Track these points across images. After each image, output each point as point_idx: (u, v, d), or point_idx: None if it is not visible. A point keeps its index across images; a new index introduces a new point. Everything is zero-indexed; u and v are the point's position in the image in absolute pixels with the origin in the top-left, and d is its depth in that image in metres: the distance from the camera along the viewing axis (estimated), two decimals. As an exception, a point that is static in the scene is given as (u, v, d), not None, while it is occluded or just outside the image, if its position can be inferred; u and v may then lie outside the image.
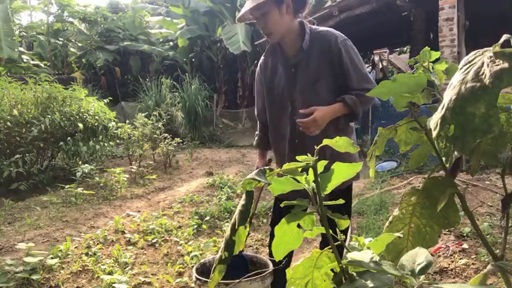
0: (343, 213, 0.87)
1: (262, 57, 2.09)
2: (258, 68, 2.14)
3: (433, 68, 1.00)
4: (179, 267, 2.93)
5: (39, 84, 5.87)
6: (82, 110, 5.95)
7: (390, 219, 0.92)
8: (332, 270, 0.83)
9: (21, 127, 5.48)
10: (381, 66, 10.16)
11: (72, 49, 14.68)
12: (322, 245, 2.07)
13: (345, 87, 1.90)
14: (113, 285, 2.58)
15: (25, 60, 11.90)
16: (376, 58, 10.20)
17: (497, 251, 0.85)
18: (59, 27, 14.39)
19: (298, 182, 0.83)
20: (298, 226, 0.85)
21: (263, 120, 2.16)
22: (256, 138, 2.25)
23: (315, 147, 0.82)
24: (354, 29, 9.71)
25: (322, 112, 1.81)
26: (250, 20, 1.95)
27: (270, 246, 2.20)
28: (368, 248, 0.84)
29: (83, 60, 14.20)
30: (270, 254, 2.12)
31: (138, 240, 3.49)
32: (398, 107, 0.95)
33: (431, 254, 2.63)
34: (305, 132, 1.86)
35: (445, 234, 3.09)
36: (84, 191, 4.73)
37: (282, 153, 2.04)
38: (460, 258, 2.67)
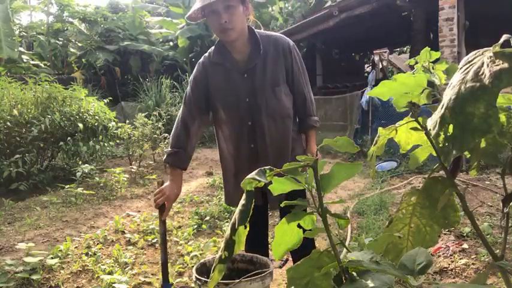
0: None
1: (206, 58, 1.95)
2: (199, 69, 1.95)
3: (433, 68, 1.00)
4: (179, 267, 2.93)
5: (39, 84, 5.87)
6: (82, 110, 5.95)
7: (390, 219, 0.92)
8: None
9: (21, 127, 5.48)
10: (380, 66, 10.16)
11: (72, 49, 14.68)
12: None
13: (293, 93, 1.96)
14: (113, 285, 2.58)
15: (25, 60, 11.90)
16: (376, 58, 10.19)
17: (497, 251, 0.85)
18: (59, 27, 14.40)
19: (298, 182, 0.83)
20: (299, 226, 0.85)
21: (190, 126, 1.94)
22: (170, 152, 1.95)
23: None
24: (354, 29, 9.75)
25: (315, 149, 1.99)
26: (200, 18, 1.87)
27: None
28: (368, 248, 0.84)
29: (83, 60, 14.20)
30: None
31: (138, 240, 3.50)
32: (398, 107, 0.95)
33: (431, 254, 2.63)
34: (265, 141, 1.88)
35: (445, 234, 3.09)
36: (84, 191, 4.73)
37: (237, 165, 1.95)
38: (460, 258, 2.67)
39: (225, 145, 2.00)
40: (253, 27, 1.91)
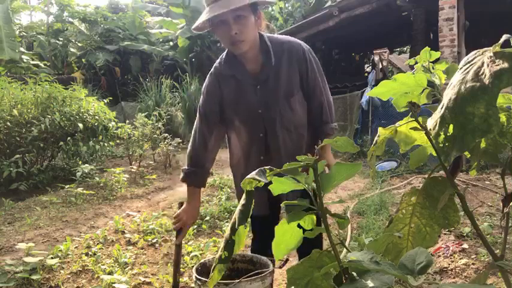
0: None
1: (217, 69, 1.84)
2: (212, 80, 1.85)
3: (433, 68, 1.00)
4: (179, 267, 2.93)
5: (39, 84, 5.88)
6: (82, 110, 5.96)
7: (390, 219, 0.92)
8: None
9: (21, 127, 5.48)
10: (380, 66, 10.16)
11: (72, 49, 14.69)
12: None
13: (309, 99, 1.86)
14: (113, 285, 2.58)
15: (25, 60, 11.90)
16: (376, 58, 10.19)
17: (497, 251, 0.85)
18: (59, 27, 14.41)
19: (298, 182, 0.83)
20: (299, 226, 0.85)
21: (207, 139, 1.86)
22: (188, 171, 1.85)
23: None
24: (354, 29, 9.74)
25: (332, 158, 1.91)
26: (208, 28, 1.73)
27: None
28: (368, 248, 0.84)
29: (83, 60, 14.21)
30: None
31: (138, 240, 3.50)
32: (398, 107, 0.95)
33: (431, 254, 2.63)
34: (280, 152, 1.80)
35: (445, 234, 3.09)
36: (84, 191, 4.73)
37: (246, 174, 1.90)
38: (460, 258, 2.67)
39: (235, 153, 1.94)
40: (264, 34, 1.78)
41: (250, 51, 1.72)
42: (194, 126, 1.90)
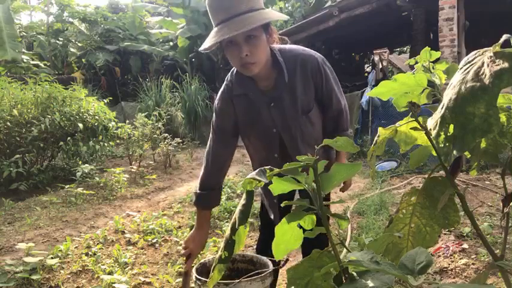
0: None
1: (229, 88, 1.76)
2: (223, 99, 1.77)
3: (433, 68, 1.00)
4: (179, 267, 2.93)
5: (39, 84, 5.88)
6: (82, 110, 5.96)
7: (390, 219, 0.92)
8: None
9: (21, 127, 5.48)
10: (380, 66, 10.16)
11: (72, 49, 14.69)
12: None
13: (326, 109, 1.80)
14: (113, 285, 2.58)
15: (25, 60, 11.90)
16: (376, 58, 10.20)
17: (497, 251, 0.85)
18: (59, 27, 14.41)
19: (298, 182, 0.83)
20: (299, 226, 0.85)
21: (222, 155, 1.81)
22: (200, 195, 1.79)
23: None
24: (354, 29, 9.74)
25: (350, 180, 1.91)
26: (215, 47, 1.61)
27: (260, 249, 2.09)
28: (368, 248, 0.84)
29: (83, 60, 14.21)
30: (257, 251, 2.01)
31: (138, 240, 3.49)
32: (399, 107, 0.95)
33: (431, 254, 2.63)
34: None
35: (445, 234, 3.09)
36: (84, 191, 4.73)
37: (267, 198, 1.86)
38: (460, 258, 2.67)
39: (253, 166, 1.91)
40: (275, 47, 1.67)
41: (262, 70, 1.61)
42: (207, 148, 1.83)
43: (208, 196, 1.79)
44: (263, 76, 1.66)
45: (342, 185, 1.87)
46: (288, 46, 1.74)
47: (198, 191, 1.80)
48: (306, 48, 1.76)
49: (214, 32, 1.55)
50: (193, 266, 1.74)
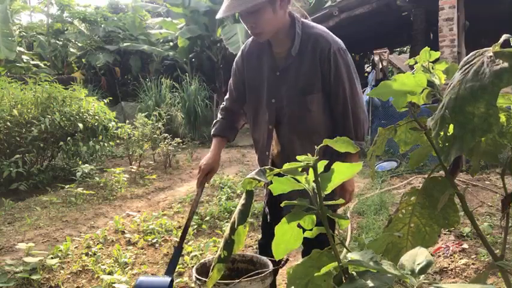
0: None
1: (247, 47, 1.82)
2: (239, 57, 1.84)
3: (433, 68, 1.00)
4: (179, 267, 2.93)
5: (39, 84, 5.87)
6: (82, 110, 5.95)
7: (390, 219, 0.92)
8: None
9: (21, 127, 5.48)
10: (380, 66, 10.16)
11: (72, 49, 14.69)
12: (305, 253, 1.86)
13: (333, 106, 1.68)
14: (113, 285, 2.58)
15: (25, 61, 11.90)
16: (376, 58, 10.20)
17: (497, 251, 0.85)
18: (59, 27, 14.40)
19: (298, 181, 0.83)
20: (299, 226, 0.85)
21: (234, 108, 1.92)
22: (214, 123, 1.94)
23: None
24: (354, 29, 9.73)
25: (350, 183, 1.76)
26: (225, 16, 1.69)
27: (262, 245, 2.08)
28: (368, 248, 0.84)
29: (83, 60, 14.21)
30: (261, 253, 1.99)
31: (138, 240, 3.49)
32: (398, 107, 0.95)
33: (431, 254, 2.63)
34: (283, 157, 1.72)
35: (445, 234, 3.09)
36: (84, 191, 4.73)
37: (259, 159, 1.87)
38: (460, 258, 2.67)
39: (251, 131, 1.91)
40: (300, 19, 1.66)
41: (276, 35, 1.63)
42: (222, 106, 1.97)
43: (218, 123, 1.92)
44: (278, 42, 1.68)
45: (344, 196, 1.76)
46: (315, 24, 1.71)
47: (215, 120, 1.94)
48: (330, 33, 1.68)
49: (224, 3, 1.62)
50: (193, 266, 1.74)
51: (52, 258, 2.90)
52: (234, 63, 1.87)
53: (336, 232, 3.29)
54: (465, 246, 2.84)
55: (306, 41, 1.63)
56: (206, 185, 1.99)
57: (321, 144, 0.84)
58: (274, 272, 1.78)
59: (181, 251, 1.86)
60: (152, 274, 2.90)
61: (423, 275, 0.69)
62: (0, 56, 10.32)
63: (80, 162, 5.89)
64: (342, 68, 1.62)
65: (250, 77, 1.79)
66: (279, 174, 0.82)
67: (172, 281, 1.67)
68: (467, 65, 0.65)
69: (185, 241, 3.47)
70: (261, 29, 1.59)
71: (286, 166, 0.80)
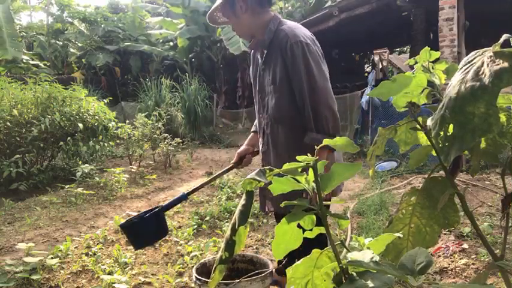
0: None
1: (250, 47, 2.00)
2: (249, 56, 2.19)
3: (433, 68, 1.00)
4: (179, 267, 2.93)
5: (39, 84, 5.87)
6: (82, 110, 5.95)
7: (390, 219, 0.92)
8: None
9: (21, 127, 5.48)
10: (380, 66, 10.15)
11: (72, 49, 14.69)
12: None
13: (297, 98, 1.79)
14: (113, 285, 2.58)
15: (25, 61, 11.90)
16: (376, 58, 10.18)
17: (497, 251, 0.85)
18: (59, 27, 14.41)
19: (298, 182, 0.83)
20: (298, 226, 0.85)
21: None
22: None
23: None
24: (354, 29, 9.74)
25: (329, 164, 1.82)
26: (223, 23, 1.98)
27: None
28: (368, 248, 0.84)
29: (83, 60, 14.21)
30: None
31: (138, 240, 3.49)
32: (398, 107, 0.95)
33: (431, 254, 2.63)
34: (269, 144, 1.91)
35: (445, 234, 3.09)
36: (84, 191, 4.72)
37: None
38: (460, 258, 2.67)
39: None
40: (278, 19, 1.83)
41: (257, 34, 1.85)
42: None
43: (255, 122, 2.16)
44: (259, 41, 1.87)
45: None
46: (291, 22, 1.86)
47: None
48: (299, 28, 1.79)
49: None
50: (193, 266, 1.74)
51: (52, 258, 2.90)
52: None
53: (336, 232, 3.29)
54: (465, 246, 2.84)
55: (276, 37, 1.78)
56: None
57: (320, 144, 0.84)
58: (280, 272, 1.79)
59: (185, 200, 1.94)
60: (152, 274, 2.90)
61: (423, 275, 0.69)
62: (8, 57, 10.31)
63: (80, 162, 5.89)
64: (298, 60, 1.69)
65: (253, 73, 2.02)
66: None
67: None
68: (468, 65, 0.65)
69: (185, 241, 3.49)
70: (237, 31, 1.89)
71: (286, 166, 0.80)
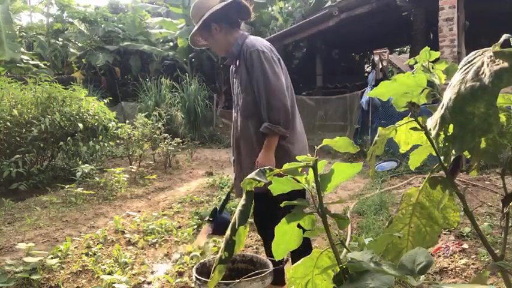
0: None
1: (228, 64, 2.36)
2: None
3: (432, 68, 1.00)
4: (179, 267, 2.93)
5: (39, 84, 5.87)
6: (82, 110, 5.95)
7: (390, 219, 0.92)
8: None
9: (21, 127, 5.48)
10: (380, 66, 10.15)
11: (72, 49, 14.68)
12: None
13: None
14: (113, 285, 2.58)
15: (25, 61, 11.89)
16: (376, 58, 10.18)
17: (497, 251, 0.85)
18: (59, 27, 14.40)
19: (298, 182, 0.83)
20: (298, 226, 0.85)
21: None
22: None
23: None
24: (354, 29, 9.74)
25: (262, 157, 2.04)
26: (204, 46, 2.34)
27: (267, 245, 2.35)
28: (368, 248, 0.84)
29: (83, 60, 14.21)
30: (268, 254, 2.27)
31: (138, 240, 3.49)
32: (398, 107, 0.95)
33: (431, 254, 2.63)
34: (236, 135, 2.26)
35: (445, 234, 3.09)
36: (84, 191, 4.72)
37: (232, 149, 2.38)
38: (460, 258, 2.67)
39: None
40: (246, 36, 2.17)
41: (229, 51, 2.20)
42: None
43: None
44: (230, 54, 2.21)
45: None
46: (254, 36, 2.22)
47: None
48: (259, 40, 2.17)
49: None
50: (193, 266, 1.74)
51: (52, 258, 2.90)
52: None
53: (336, 232, 3.28)
54: (465, 246, 2.84)
55: (242, 49, 2.13)
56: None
57: (320, 144, 0.84)
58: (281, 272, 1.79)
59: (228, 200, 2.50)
60: (152, 274, 2.90)
61: (423, 275, 0.69)
62: (6, 58, 10.30)
63: (80, 162, 5.89)
64: (255, 64, 2.06)
65: (231, 83, 2.37)
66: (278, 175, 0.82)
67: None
68: (468, 65, 0.65)
69: (185, 241, 3.49)
70: (214, 48, 2.29)
71: (286, 166, 0.80)
